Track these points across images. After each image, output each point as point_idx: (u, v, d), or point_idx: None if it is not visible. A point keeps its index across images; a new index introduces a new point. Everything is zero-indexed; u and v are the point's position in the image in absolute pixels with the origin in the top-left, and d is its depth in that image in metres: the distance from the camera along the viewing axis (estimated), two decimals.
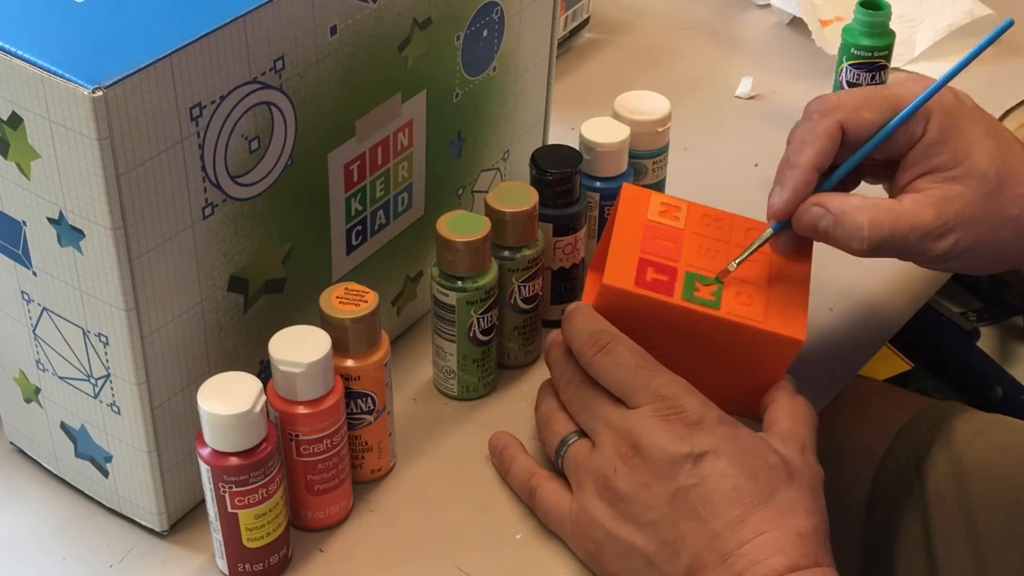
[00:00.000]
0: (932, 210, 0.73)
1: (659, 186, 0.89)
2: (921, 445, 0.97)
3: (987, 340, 1.57)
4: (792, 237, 0.75)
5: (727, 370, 0.75)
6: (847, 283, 0.92)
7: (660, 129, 0.87)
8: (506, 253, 0.79)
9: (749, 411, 0.76)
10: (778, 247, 0.75)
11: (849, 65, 1.00)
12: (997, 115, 1.06)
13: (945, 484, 0.94)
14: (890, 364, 1.47)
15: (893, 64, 1.05)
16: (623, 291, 0.72)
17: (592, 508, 0.70)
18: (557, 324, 0.75)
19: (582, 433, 0.72)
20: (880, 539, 0.97)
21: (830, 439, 1.00)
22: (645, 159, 0.87)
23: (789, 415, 0.72)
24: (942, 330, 1.51)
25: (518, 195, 0.78)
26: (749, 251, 0.74)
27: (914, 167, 0.74)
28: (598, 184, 0.84)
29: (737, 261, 0.74)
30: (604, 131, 0.84)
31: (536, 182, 0.80)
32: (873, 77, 1.00)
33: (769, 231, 0.75)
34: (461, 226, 0.76)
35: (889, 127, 0.73)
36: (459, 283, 0.76)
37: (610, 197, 0.84)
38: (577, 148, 0.83)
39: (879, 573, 0.96)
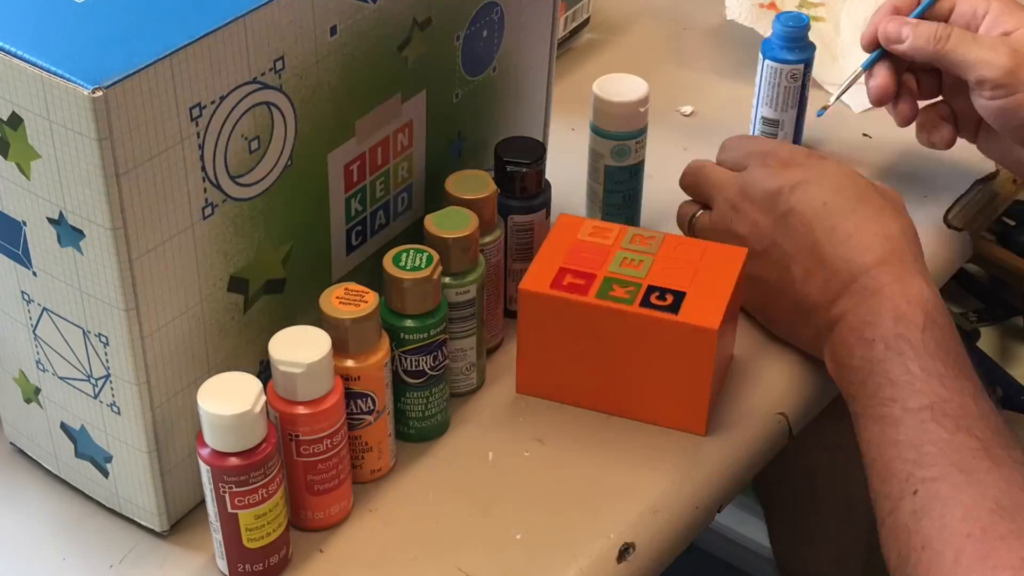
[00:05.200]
0: (988, 33, 0.87)
1: (640, 167, 0.90)
2: None
3: (987, 340, 1.57)
4: (882, 67, 0.90)
5: (653, 372, 0.76)
6: None
7: (641, 109, 0.88)
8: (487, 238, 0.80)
9: (680, 419, 0.78)
10: (871, 77, 0.91)
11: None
12: None
13: None
14: None
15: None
16: (537, 294, 0.77)
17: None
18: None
19: (705, 208, 0.85)
20: None
21: (837, 432, 1.00)
22: (628, 140, 0.88)
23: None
24: None
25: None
26: (851, 77, 0.93)
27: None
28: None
29: (839, 93, 0.94)
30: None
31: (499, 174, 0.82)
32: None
33: (858, 67, 0.91)
34: (446, 223, 0.76)
35: None
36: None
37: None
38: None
39: (885, 569, 0.96)
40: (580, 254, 0.79)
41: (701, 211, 0.86)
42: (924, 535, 0.66)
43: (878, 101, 0.92)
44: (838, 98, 0.95)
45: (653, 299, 0.76)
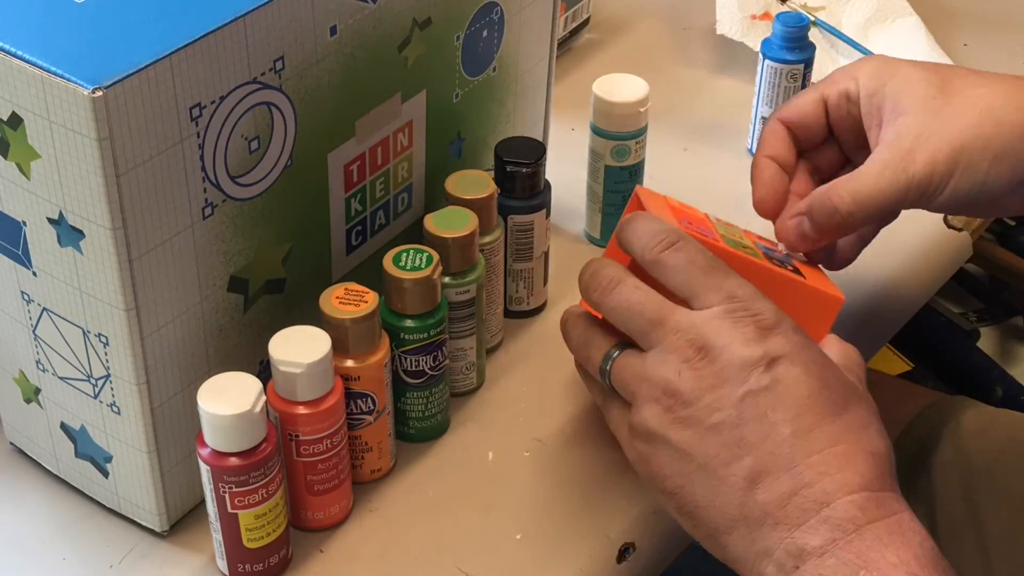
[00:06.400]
0: (889, 151, 0.73)
1: (640, 167, 0.90)
2: (929, 439, 0.97)
3: (987, 340, 1.57)
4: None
5: None
6: (847, 284, 0.91)
7: (641, 109, 0.88)
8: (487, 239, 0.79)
9: None
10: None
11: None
12: None
13: (952, 478, 0.94)
14: (890, 364, 1.47)
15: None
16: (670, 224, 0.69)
17: (647, 414, 0.65)
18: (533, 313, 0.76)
19: (624, 345, 0.68)
20: None
21: None
22: (628, 140, 0.88)
23: (842, 354, 0.69)
24: (942, 330, 1.51)
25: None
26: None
27: (872, 128, 0.76)
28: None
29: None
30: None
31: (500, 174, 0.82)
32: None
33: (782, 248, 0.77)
34: (447, 223, 0.76)
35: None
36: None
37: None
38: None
39: None
40: (684, 212, 0.75)
41: (623, 349, 0.68)
42: None
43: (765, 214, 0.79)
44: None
45: (777, 265, 0.74)
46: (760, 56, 0.98)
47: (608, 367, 0.68)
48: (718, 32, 1.10)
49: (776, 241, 0.78)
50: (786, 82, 0.96)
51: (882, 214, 0.75)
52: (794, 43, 0.96)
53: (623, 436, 0.68)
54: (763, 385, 0.63)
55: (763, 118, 0.98)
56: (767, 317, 0.65)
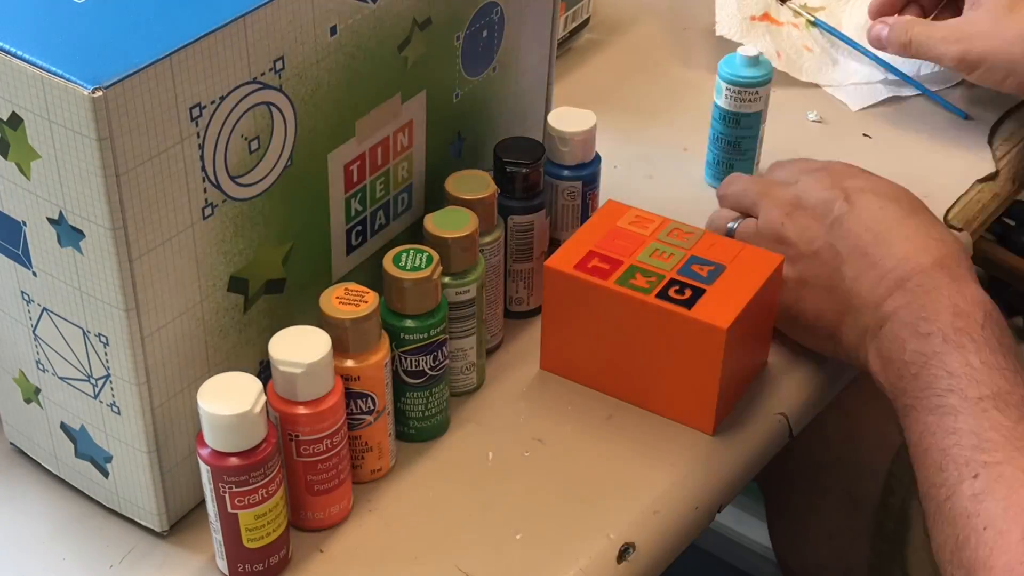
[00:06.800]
0: (949, 27, 1.00)
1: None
2: None
3: None
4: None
5: (665, 364, 0.77)
6: None
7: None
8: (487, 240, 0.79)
9: (690, 415, 0.78)
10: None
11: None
12: (997, 116, 1.07)
13: None
14: None
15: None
16: (558, 272, 0.78)
17: None
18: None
19: (743, 218, 0.85)
20: (894, 529, 0.96)
21: (845, 429, 1.00)
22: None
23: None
24: None
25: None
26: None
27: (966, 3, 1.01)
28: (566, 172, 0.86)
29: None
30: (572, 120, 0.85)
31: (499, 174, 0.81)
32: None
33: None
34: (446, 222, 0.76)
35: None
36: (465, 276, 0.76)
37: (591, 182, 0.86)
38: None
39: (892, 563, 0.96)
40: (615, 240, 0.80)
41: (741, 218, 0.85)
42: (987, 516, 0.65)
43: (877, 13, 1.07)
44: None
45: (671, 292, 0.76)
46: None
47: (734, 228, 0.85)
48: (717, 33, 1.10)
49: (737, 243, 0.81)
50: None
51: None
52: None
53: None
54: (844, 211, 0.79)
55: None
56: (837, 170, 0.83)
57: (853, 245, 0.78)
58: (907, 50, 1.02)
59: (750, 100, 0.94)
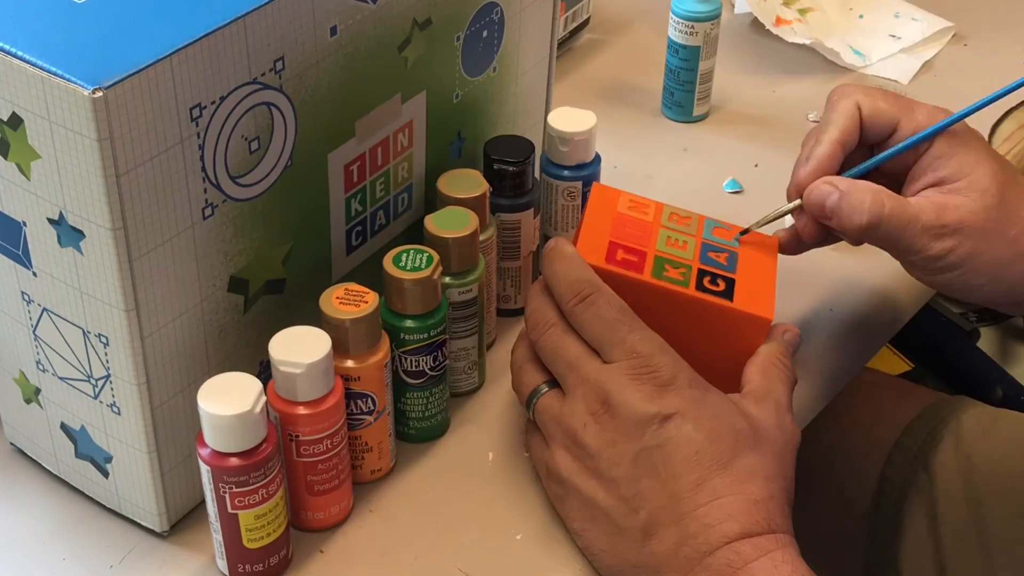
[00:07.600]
0: (934, 211, 0.75)
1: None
2: (930, 439, 0.97)
3: (987, 340, 1.57)
4: (808, 218, 0.78)
5: (700, 353, 0.75)
6: (847, 283, 0.92)
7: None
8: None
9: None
10: (798, 221, 0.79)
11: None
12: (997, 115, 1.06)
13: (954, 479, 0.94)
14: (890, 364, 1.47)
15: (849, 64, 1.12)
16: (594, 267, 0.73)
17: (559, 459, 0.71)
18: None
19: (553, 383, 0.73)
20: (887, 533, 0.96)
21: (837, 431, 1.00)
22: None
23: (763, 373, 0.73)
24: (942, 330, 1.51)
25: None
26: (771, 216, 0.79)
27: (919, 180, 0.77)
28: (566, 172, 0.85)
29: (757, 224, 0.78)
30: (572, 120, 0.84)
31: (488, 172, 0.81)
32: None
33: (797, 201, 0.78)
34: (447, 222, 0.76)
35: (914, 139, 0.77)
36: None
37: (590, 182, 0.85)
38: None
39: (885, 568, 0.96)
40: (625, 229, 0.77)
41: (548, 388, 0.72)
42: None
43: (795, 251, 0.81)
44: (763, 224, 0.79)
45: (707, 283, 0.75)
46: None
47: (534, 401, 0.73)
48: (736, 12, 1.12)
49: (732, 227, 0.79)
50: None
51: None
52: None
53: (542, 473, 0.74)
54: (655, 443, 0.68)
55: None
56: (664, 373, 0.69)
57: (657, 492, 0.67)
58: (869, 232, 0.75)
59: (687, 33, 1.02)
